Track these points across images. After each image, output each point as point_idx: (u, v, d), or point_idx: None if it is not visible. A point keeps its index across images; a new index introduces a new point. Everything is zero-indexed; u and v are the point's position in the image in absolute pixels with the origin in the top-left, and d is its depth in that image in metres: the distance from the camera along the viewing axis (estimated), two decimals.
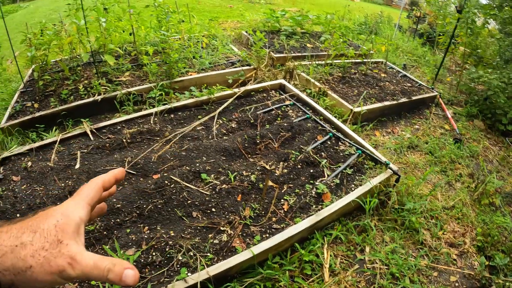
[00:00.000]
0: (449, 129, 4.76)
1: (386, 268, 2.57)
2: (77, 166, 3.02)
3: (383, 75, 5.56)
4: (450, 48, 5.96)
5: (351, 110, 4.12)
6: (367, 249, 2.70)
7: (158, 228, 2.43)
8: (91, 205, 0.67)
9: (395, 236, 2.84)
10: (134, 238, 2.33)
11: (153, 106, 3.99)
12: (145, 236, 2.34)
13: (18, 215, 2.55)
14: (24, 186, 2.80)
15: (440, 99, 5.39)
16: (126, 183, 2.80)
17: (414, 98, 4.93)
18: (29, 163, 3.07)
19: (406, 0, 14.14)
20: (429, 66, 7.05)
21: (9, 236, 0.55)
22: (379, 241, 2.81)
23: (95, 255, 0.59)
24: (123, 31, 5.17)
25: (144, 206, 2.54)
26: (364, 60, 5.80)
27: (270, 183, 2.81)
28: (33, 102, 4.10)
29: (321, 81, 4.83)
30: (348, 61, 5.45)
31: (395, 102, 4.66)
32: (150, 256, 2.22)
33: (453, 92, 5.93)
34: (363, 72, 5.44)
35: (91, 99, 4.01)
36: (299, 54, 5.98)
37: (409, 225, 2.93)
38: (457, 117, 5.18)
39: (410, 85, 5.44)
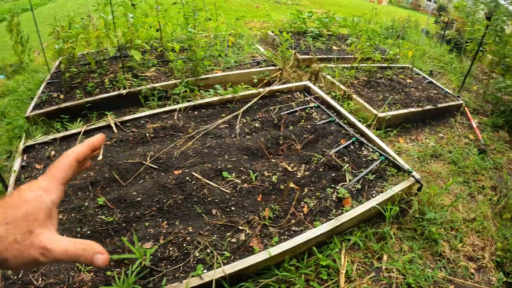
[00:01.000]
0: (474, 139, 4.65)
1: (402, 278, 2.53)
2: (100, 157, 3.02)
3: (409, 80, 5.48)
4: (477, 56, 5.82)
5: (376, 115, 4.07)
6: (385, 257, 2.66)
7: (176, 223, 2.46)
8: (64, 184, 0.69)
9: (413, 246, 2.78)
10: (152, 231, 2.36)
11: (177, 102, 4.02)
12: (163, 231, 2.36)
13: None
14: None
15: (466, 108, 5.27)
16: (147, 177, 2.84)
17: (439, 105, 4.84)
18: (52, 152, 3.14)
19: (434, 5, 13.92)
20: (456, 73, 6.92)
21: None
22: (397, 249, 2.76)
23: (66, 240, 0.62)
24: (150, 27, 5.25)
25: (164, 201, 2.57)
26: (391, 64, 5.72)
27: (292, 184, 2.79)
28: (59, 93, 4.18)
29: (346, 85, 4.79)
30: (374, 65, 5.39)
31: (420, 109, 4.59)
32: (167, 251, 2.24)
33: (479, 101, 5.81)
34: (389, 77, 5.37)
35: (116, 92, 4.07)
36: (325, 56, 5.95)
37: (429, 236, 2.87)
38: (482, 127, 5.06)
39: (436, 92, 5.35)
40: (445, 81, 6.54)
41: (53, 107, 3.86)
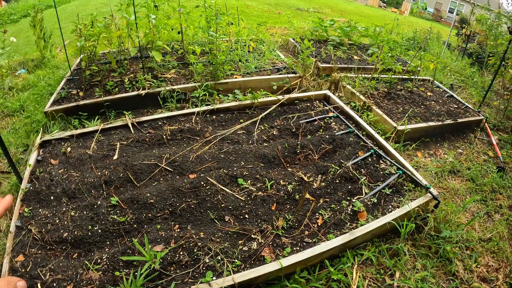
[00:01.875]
0: (493, 156, 4.55)
1: None
2: (115, 157, 3.09)
3: (429, 93, 5.40)
4: (499, 70, 5.71)
5: (395, 128, 4.01)
6: (397, 274, 2.61)
7: (188, 227, 2.45)
8: None
9: (427, 264, 2.73)
10: (163, 234, 2.35)
11: (196, 106, 4.04)
12: (175, 234, 2.35)
13: (51, 197, 2.64)
14: (62, 170, 2.88)
15: (486, 123, 5.17)
16: (162, 179, 2.84)
17: (459, 120, 4.76)
18: (69, 149, 3.17)
19: (456, 17, 13.74)
20: (477, 88, 6.80)
21: None
22: (410, 267, 2.72)
23: None
24: (172, 29, 5.28)
25: (177, 204, 2.57)
26: (411, 77, 5.65)
27: (307, 195, 2.77)
28: (78, 90, 4.24)
29: (366, 95, 4.74)
30: (394, 76, 5.32)
31: (440, 123, 4.51)
32: (177, 255, 2.23)
33: (500, 117, 5.67)
34: (409, 89, 5.30)
35: (135, 92, 4.10)
36: (346, 65, 5.90)
37: (443, 254, 2.82)
38: (502, 144, 4.95)
39: (456, 106, 5.25)
40: (466, 95, 6.43)
41: (72, 104, 3.91)
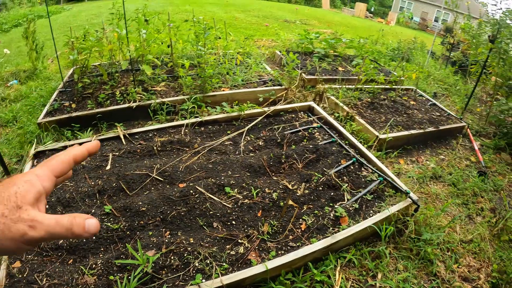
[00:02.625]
0: (475, 161, 4.67)
1: None
2: (108, 167, 3.21)
3: (412, 102, 5.58)
4: (481, 78, 5.87)
5: (377, 136, 4.17)
6: (379, 275, 2.71)
7: (179, 234, 2.57)
8: (57, 177, 0.68)
9: (408, 266, 2.82)
10: (155, 240, 2.48)
11: (185, 118, 4.18)
12: (166, 240, 2.48)
13: (47, 206, 2.74)
14: None
15: (468, 130, 5.31)
16: (153, 188, 2.97)
17: (441, 127, 4.91)
18: None
19: (441, 26, 14.03)
20: (460, 95, 6.94)
21: None
22: (392, 269, 2.81)
23: (53, 215, 0.59)
24: (162, 43, 5.43)
25: (168, 212, 2.69)
26: (394, 86, 5.83)
27: (290, 202, 2.90)
28: (71, 102, 4.36)
29: (349, 106, 4.90)
30: (377, 86, 5.49)
31: (421, 131, 4.67)
32: (168, 259, 2.35)
33: (482, 123, 5.82)
34: (393, 99, 5.47)
35: (126, 105, 4.24)
36: (330, 77, 6.08)
37: (424, 256, 2.91)
38: (484, 149, 5.08)
39: (438, 114, 5.41)
40: (449, 103, 6.58)
41: (65, 116, 4.03)
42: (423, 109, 5.44)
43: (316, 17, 18.12)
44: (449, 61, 9.17)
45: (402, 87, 5.97)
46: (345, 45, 7.75)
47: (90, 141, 3.28)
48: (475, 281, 2.87)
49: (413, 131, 4.59)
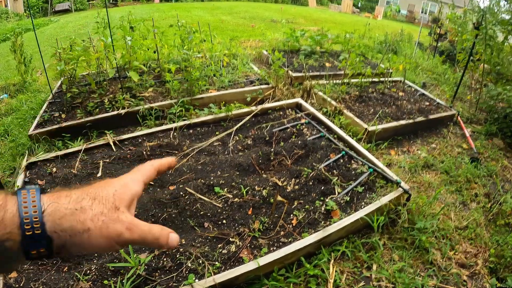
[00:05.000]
0: (467, 148, 4.67)
1: (392, 286, 2.55)
2: (99, 174, 3.22)
3: (401, 93, 5.59)
4: (469, 65, 5.88)
5: (366, 128, 4.18)
6: (374, 266, 2.69)
7: None
8: (146, 183, 0.73)
9: (404, 255, 2.81)
10: None
11: (173, 122, 4.18)
12: None
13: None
14: (48, 190, 2.96)
15: (458, 117, 5.32)
16: (143, 192, 2.95)
17: (431, 117, 4.92)
18: (54, 169, 3.29)
19: (429, 18, 14.12)
20: (449, 84, 6.97)
21: (69, 200, 0.58)
22: (387, 259, 2.79)
23: (146, 222, 0.65)
24: (148, 49, 5.43)
25: (159, 214, 2.70)
26: (382, 79, 5.84)
27: (279, 198, 2.90)
28: (60, 112, 4.37)
29: (337, 100, 4.91)
30: (365, 80, 5.50)
31: (411, 121, 4.67)
32: (161, 261, 2.36)
33: (473, 110, 5.83)
34: (381, 91, 5.48)
35: (115, 112, 4.24)
36: (317, 73, 6.08)
37: (419, 245, 2.88)
38: (476, 136, 5.08)
39: (428, 103, 5.42)
40: (439, 92, 6.59)
41: (55, 126, 4.04)
42: (412, 100, 5.44)
43: (302, 15, 18.16)
44: (437, 51, 9.20)
45: (390, 79, 5.98)
46: (331, 41, 7.77)
47: (81, 149, 3.34)
48: (473, 267, 2.85)
49: (402, 122, 4.59)
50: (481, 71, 6.02)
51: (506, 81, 5.87)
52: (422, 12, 34.28)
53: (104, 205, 0.60)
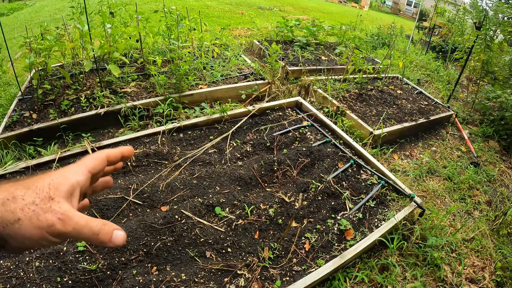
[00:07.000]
0: (466, 151, 4.61)
1: None
2: None
3: (399, 91, 5.35)
4: (467, 65, 5.78)
5: (371, 132, 3.89)
6: None
7: (168, 269, 2.20)
8: (92, 172, 0.66)
9: (417, 273, 2.67)
10: (141, 280, 2.09)
11: (160, 123, 3.74)
12: (154, 279, 2.10)
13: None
14: None
15: (456, 118, 5.25)
16: (131, 214, 2.55)
17: (432, 118, 4.76)
18: None
19: (414, 10, 14.05)
20: (443, 81, 6.91)
21: (2, 191, 0.56)
22: (401, 278, 2.65)
23: (85, 215, 0.59)
24: (130, 38, 4.90)
25: (152, 243, 2.30)
26: (382, 76, 5.56)
27: (294, 224, 2.58)
28: (31, 112, 3.82)
29: (338, 99, 4.60)
30: (365, 76, 5.22)
31: (414, 123, 4.46)
32: None
33: (468, 109, 5.81)
34: (379, 89, 5.23)
35: (93, 111, 3.75)
36: (314, 67, 5.76)
37: (431, 261, 2.79)
38: (473, 138, 5.04)
39: (426, 103, 5.26)
40: (433, 90, 6.50)
41: (25, 129, 3.51)
42: (410, 98, 5.27)
43: (290, 3, 17.73)
44: (429, 47, 9.05)
45: (387, 75, 5.72)
46: (326, 32, 7.43)
47: (55, 159, 2.89)
48: (481, 282, 2.82)
49: (405, 124, 4.39)
50: (475, 70, 5.92)
51: (503, 82, 5.76)
52: (407, 4, 34.25)
53: (38, 194, 0.57)
